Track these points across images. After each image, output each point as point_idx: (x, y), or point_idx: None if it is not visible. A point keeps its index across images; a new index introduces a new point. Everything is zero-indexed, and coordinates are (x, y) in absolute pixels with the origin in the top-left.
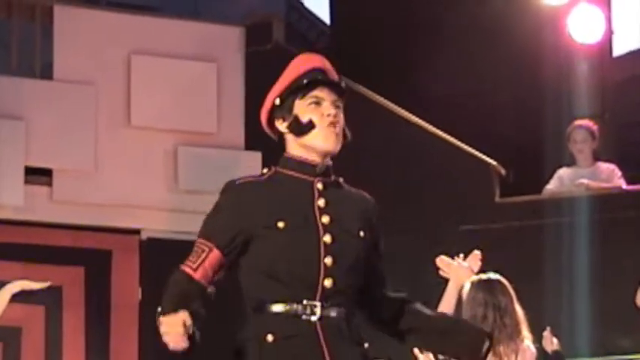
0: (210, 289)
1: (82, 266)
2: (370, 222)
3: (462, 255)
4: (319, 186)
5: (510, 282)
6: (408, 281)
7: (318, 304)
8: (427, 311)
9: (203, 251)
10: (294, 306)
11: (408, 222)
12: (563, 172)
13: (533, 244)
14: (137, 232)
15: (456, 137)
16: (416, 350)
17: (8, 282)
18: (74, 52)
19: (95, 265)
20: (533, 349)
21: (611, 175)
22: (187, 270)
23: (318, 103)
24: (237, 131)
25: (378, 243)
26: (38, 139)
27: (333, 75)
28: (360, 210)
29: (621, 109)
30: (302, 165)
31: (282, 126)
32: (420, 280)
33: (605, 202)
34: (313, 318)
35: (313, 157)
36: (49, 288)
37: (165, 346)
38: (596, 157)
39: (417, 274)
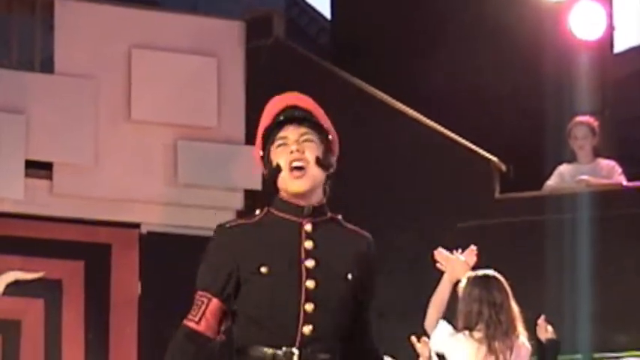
0: (220, 338)
1: (82, 260)
2: (362, 263)
3: (460, 250)
4: (307, 228)
5: (510, 278)
6: (406, 277)
7: (296, 351)
8: None
9: (202, 303)
10: (273, 351)
11: (407, 218)
12: (563, 168)
13: (534, 240)
14: (137, 225)
15: (456, 133)
16: (413, 338)
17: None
18: (75, 46)
19: (95, 258)
20: (528, 345)
21: (611, 172)
22: (190, 325)
23: (284, 144)
24: (237, 126)
25: (369, 285)
26: (38, 133)
27: (309, 107)
28: (351, 251)
29: (622, 105)
30: (290, 206)
31: (265, 173)
32: (420, 276)
33: (605, 198)
34: None
35: (297, 199)
36: (48, 281)
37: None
38: (597, 153)
39: (416, 270)
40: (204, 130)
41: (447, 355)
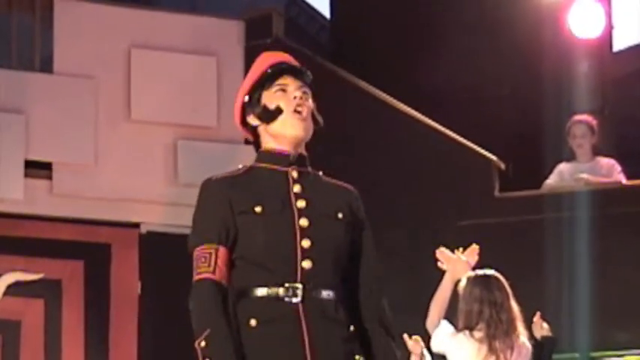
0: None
1: (82, 260)
2: (350, 207)
3: (460, 249)
4: (294, 174)
5: (510, 277)
6: (406, 275)
7: (299, 285)
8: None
9: (210, 254)
10: (276, 289)
11: (407, 216)
12: (563, 166)
13: (533, 238)
14: (137, 225)
15: (456, 132)
16: (405, 336)
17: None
18: (74, 45)
19: (95, 258)
20: (528, 345)
21: (610, 170)
22: (208, 276)
23: (283, 90)
24: (236, 125)
25: (362, 229)
26: (38, 133)
27: (296, 64)
28: (338, 196)
29: (621, 104)
30: (275, 156)
31: (253, 120)
32: (419, 274)
33: (604, 197)
34: (295, 300)
35: (286, 147)
36: (48, 281)
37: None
38: (596, 152)
39: (416, 268)
40: (204, 130)
41: (447, 355)
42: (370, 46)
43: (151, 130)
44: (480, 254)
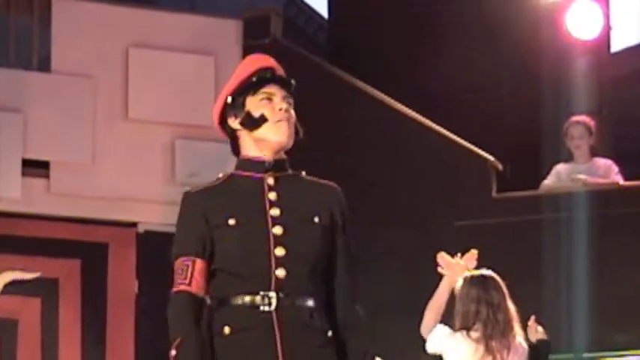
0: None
1: (79, 259)
2: (331, 209)
3: (459, 254)
4: (270, 181)
5: (508, 277)
6: (403, 276)
7: (273, 294)
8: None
9: (187, 266)
10: (251, 297)
11: (404, 217)
12: (560, 167)
13: (530, 239)
14: (134, 225)
15: (454, 132)
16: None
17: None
18: (72, 44)
19: (92, 257)
20: (525, 345)
21: (608, 171)
22: (183, 288)
23: (269, 98)
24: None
25: (341, 228)
26: (36, 132)
27: (282, 72)
28: (316, 198)
29: (619, 105)
30: (252, 164)
31: (234, 123)
32: (416, 274)
33: (602, 197)
34: (269, 308)
35: (265, 153)
36: (45, 280)
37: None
38: (594, 152)
39: (412, 268)
40: (202, 129)
41: (444, 355)
42: (368, 46)
43: (149, 129)
44: (478, 255)
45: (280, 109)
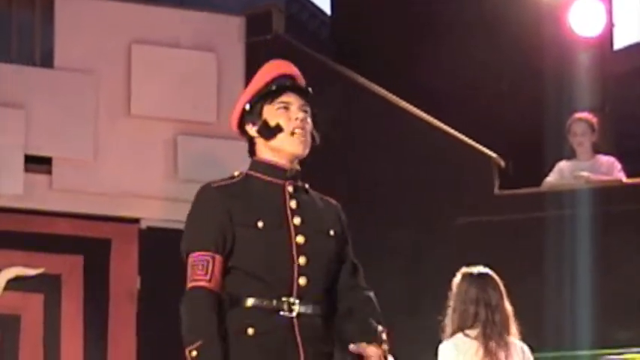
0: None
1: (82, 255)
2: (339, 222)
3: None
4: (290, 189)
5: (510, 275)
6: (407, 274)
7: (296, 301)
8: (361, 316)
9: (208, 262)
10: (273, 302)
11: (406, 214)
12: (563, 164)
13: (533, 236)
14: (136, 221)
15: (456, 129)
16: None
17: (4, 269)
18: (75, 40)
19: (94, 253)
20: (522, 345)
21: (610, 168)
22: (203, 284)
23: (286, 107)
24: (232, 128)
25: (347, 241)
26: (38, 128)
27: (301, 81)
28: (327, 211)
29: (621, 102)
30: (272, 168)
31: (252, 130)
32: (420, 273)
33: (604, 195)
34: (290, 314)
35: (282, 161)
36: (48, 276)
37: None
38: (596, 150)
39: (415, 265)
40: (204, 126)
41: None
42: (370, 43)
43: (151, 125)
44: (480, 252)
45: (297, 119)
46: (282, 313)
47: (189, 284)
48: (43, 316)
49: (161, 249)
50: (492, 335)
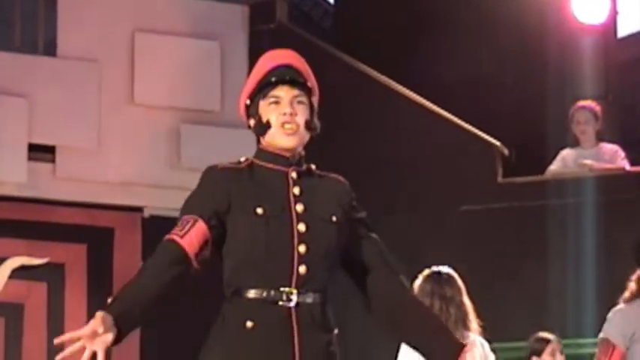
0: (195, 265)
1: (85, 243)
2: (344, 205)
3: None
4: (293, 175)
5: (513, 262)
6: (408, 261)
7: (294, 290)
8: (415, 302)
9: (188, 222)
10: (272, 292)
11: (409, 202)
12: (566, 152)
13: (536, 224)
14: (140, 209)
15: (459, 117)
16: None
17: (8, 258)
18: (78, 28)
19: (97, 242)
20: (480, 341)
21: (614, 156)
22: (173, 237)
23: (277, 102)
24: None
25: (358, 220)
26: (41, 116)
27: (301, 66)
28: (332, 195)
29: (625, 90)
30: (275, 157)
31: (251, 125)
32: (422, 260)
33: (608, 183)
34: (290, 304)
35: (283, 151)
36: (51, 265)
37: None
38: (600, 138)
39: (417, 253)
40: (208, 114)
41: None
42: (374, 31)
43: (154, 113)
44: (484, 240)
45: (284, 114)
46: (280, 303)
47: (166, 236)
48: (46, 304)
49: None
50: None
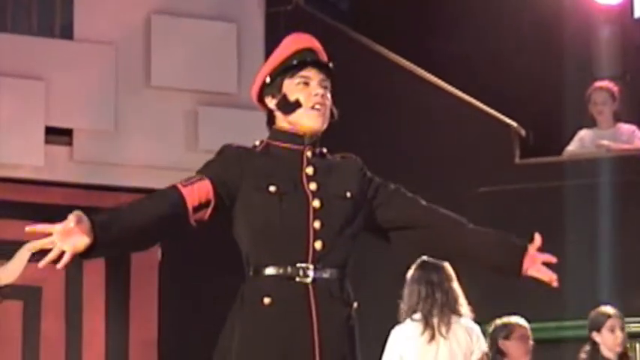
0: (192, 222)
1: None
2: (358, 181)
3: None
4: (308, 154)
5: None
6: None
7: (311, 266)
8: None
9: (194, 178)
10: (289, 269)
11: (427, 183)
12: (584, 133)
13: (554, 205)
14: None
15: (476, 98)
16: None
17: (28, 241)
18: (94, 12)
19: None
20: (470, 326)
21: (631, 137)
22: (176, 184)
23: (306, 83)
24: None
25: (380, 184)
26: (58, 99)
27: (323, 55)
28: (346, 173)
29: None
30: (291, 136)
31: (271, 103)
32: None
33: (625, 163)
34: (307, 280)
35: (302, 131)
36: None
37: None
38: (617, 118)
39: None
40: (225, 96)
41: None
42: (391, 12)
43: (171, 96)
44: (501, 221)
45: (316, 95)
46: (297, 279)
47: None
48: (64, 287)
49: None
50: (433, 311)
